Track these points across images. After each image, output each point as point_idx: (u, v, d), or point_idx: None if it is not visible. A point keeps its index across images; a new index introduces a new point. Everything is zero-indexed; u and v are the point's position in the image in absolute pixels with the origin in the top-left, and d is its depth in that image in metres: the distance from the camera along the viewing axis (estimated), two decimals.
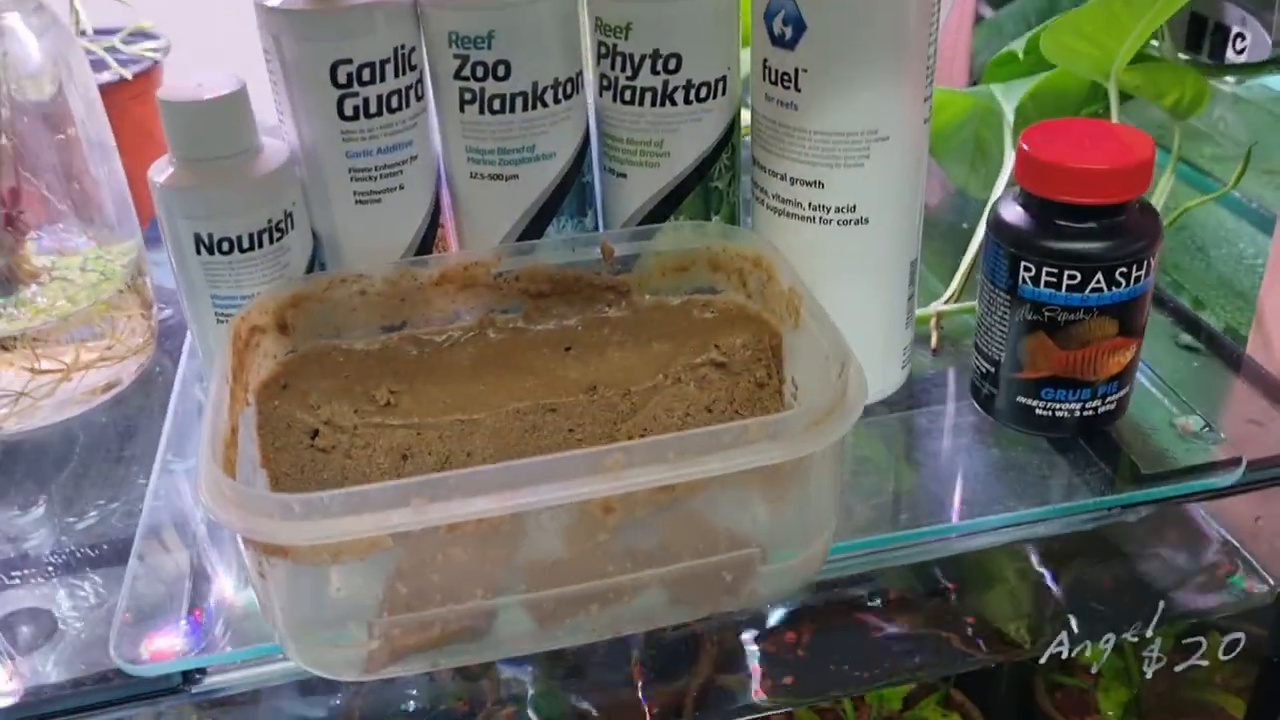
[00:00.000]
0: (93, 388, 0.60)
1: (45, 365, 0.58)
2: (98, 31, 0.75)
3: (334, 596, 0.41)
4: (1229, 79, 0.79)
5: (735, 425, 0.40)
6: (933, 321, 0.60)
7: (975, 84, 0.89)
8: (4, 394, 0.58)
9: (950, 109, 0.69)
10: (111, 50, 0.73)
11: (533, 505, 0.39)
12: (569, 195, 0.52)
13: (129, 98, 0.71)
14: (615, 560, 0.42)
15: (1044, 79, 0.66)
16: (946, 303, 0.61)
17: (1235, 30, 0.85)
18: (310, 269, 0.52)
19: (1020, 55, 0.70)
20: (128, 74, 0.70)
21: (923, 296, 0.63)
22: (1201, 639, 0.57)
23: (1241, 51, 0.86)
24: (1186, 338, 0.60)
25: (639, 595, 0.43)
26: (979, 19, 0.95)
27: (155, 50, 0.74)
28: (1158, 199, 0.66)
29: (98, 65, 0.72)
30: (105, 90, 0.69)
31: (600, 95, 0.51)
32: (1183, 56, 0.85)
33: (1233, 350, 0.59)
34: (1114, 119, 0.63)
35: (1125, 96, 0.71)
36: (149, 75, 0.73)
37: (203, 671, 0.45)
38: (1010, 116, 0.65)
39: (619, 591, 0.42)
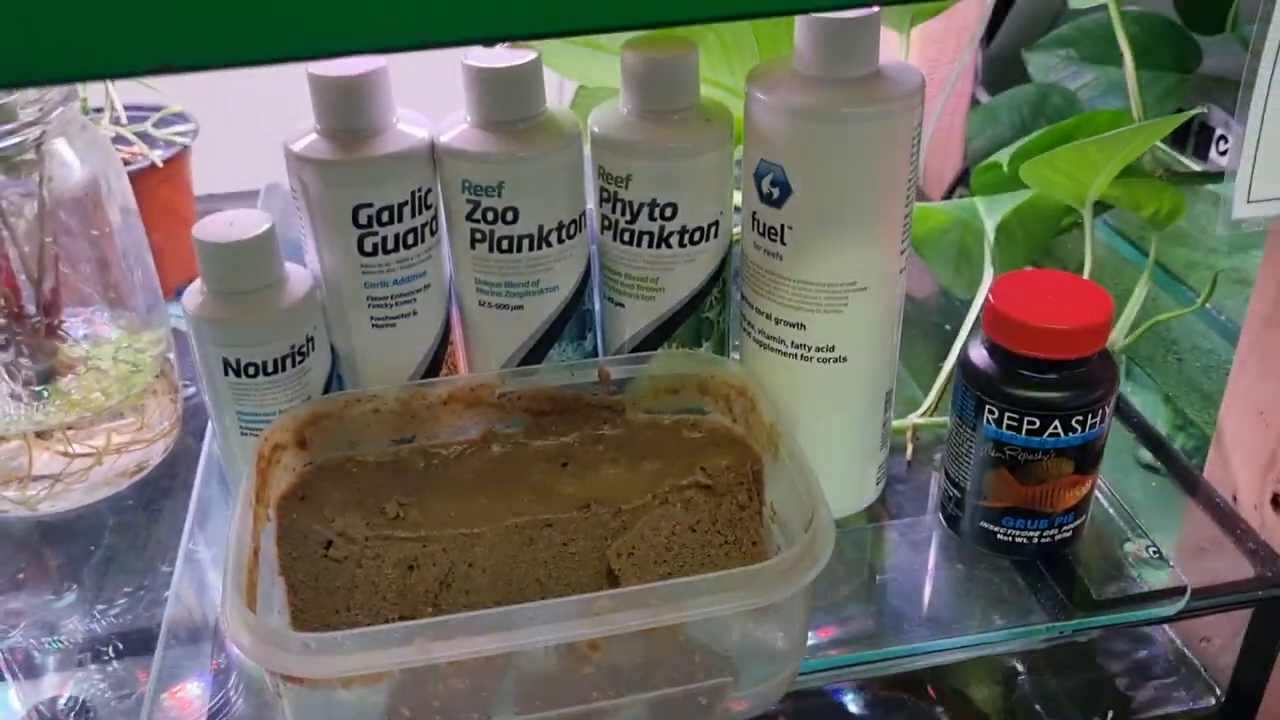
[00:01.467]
0: (123, 470, 0.64)
1: (78, 450, 0.63)
2: (131, 109, 0.79)
3: (341, 714, 0.45)
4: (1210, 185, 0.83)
5: (711, 576, 0.44)
6: (909, 433, 0.64)
7: (966, 169, 0.93)
8: (39, 477, 0.62)
9: (934, 219, 0.73)
10: (143, 135, 0.77)
11: (525, 646, 0.43)
12: (570, 322, 0.56)
13: (159, 182, 0.76)
14: (599, 687, 0.46)
15: (1025, 199, 0.70)
16: (923, 415, 0.65)
17: (1219, 132, 0.89)
18: (330, 382, 0.56)
19: (1004, 166, 0.74)
20: (158, 161, 0.74)
21: (901, 403, 0.67)
22: None
23: (1225, 153, 0.90)
24: (1147, 456, 0.64)
25: (621, 716, 0.47)
26: (975, 103, 0.99)
27: (185, 133, 0.78)
28: (1134, 303, 0.70)
29: (127, 144, 0.76)
30: (137, 174, 0.74)
31: (602, 233, 0.55)
32: (1165, 149, 0.89)
33: (1190, 472, 0.63)
34: (1088, 241, 0.67)
35: (1106, 206, 0.75)
36: (179, 159, 0.77)
37: None
38: (991, 235, 0.69)
39: (602, 713, 0.46)
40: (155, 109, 0.79)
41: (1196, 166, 0.88)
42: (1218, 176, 0.83)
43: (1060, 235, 0.80)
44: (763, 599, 0.44)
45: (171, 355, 0.67)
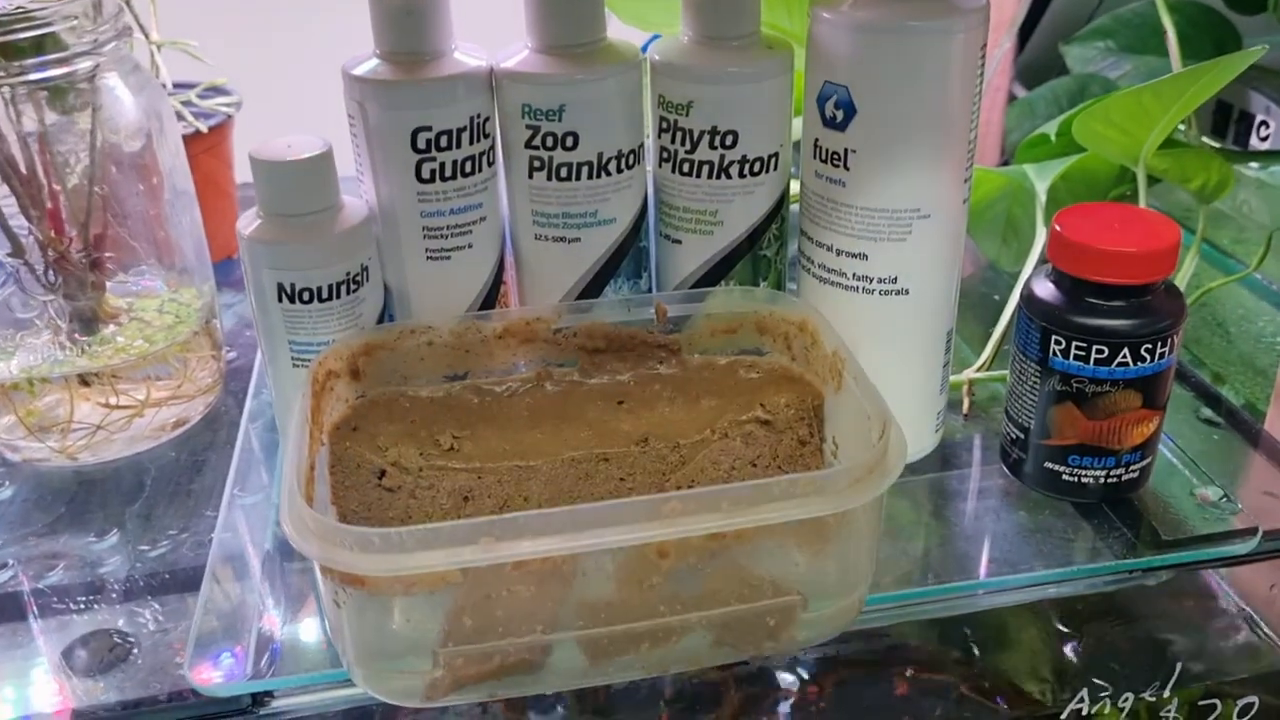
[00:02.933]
0: (163, 424, 0.63)
1: (120, 401, 0.62)
2: (176, 85, 0.79)
3: (402, 627, 0.44)
4: (1253, 164, 0.82)
5: (784, 479, 0.43)
6: (965, 388, 0.63)
7: (1006, 162, 0.93)
8: (81, 426, 0.61)
9: (984, 186, 0.72)
10: (187, 104, 0.76)
11: (594, 547, 0.42)
12: (627, 258, 0.56)
13: (202, 150, 0.75)
14: (666, 602, 0.44)
15: (1075, 161, 0.69)
16: (978, 371, 0.64)
17: (1260, 118, 0.89)
18: (380, 319, 0.55)
19: (1053, 137, 0.73)
20: (203, 128, 0.74)
21: (955, 364, 0.66)
22: (1217, 702, 0.59)
23: (1265, 139, 0.89)
24: (1207, 412, 0.63)
25: (686, 636, 0.45)
26: (1012, 98, 0.99)
27: (228, 105, 0.78)
28: (1182, 278, 0.69)
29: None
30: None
31: (659, 165, 0.55)
32: (1208, 141, 0.88)
33: (1251, 425, 0.61)
34: (1142, 202, 0.66)
35: (1153, 180, 0.74)
36: (222, 129, 0.77)
37: (270, 694, 0.48)
38: (1043, 197, 0.68)
39: (668, 632, 0.45)
40: (199, 84, 0.79)
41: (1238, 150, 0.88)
42: (1265, 156, 0.82)
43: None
44: (834, 505, 0.43)
45: (216, 318, 0.66)
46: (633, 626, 0.45)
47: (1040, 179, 0.69)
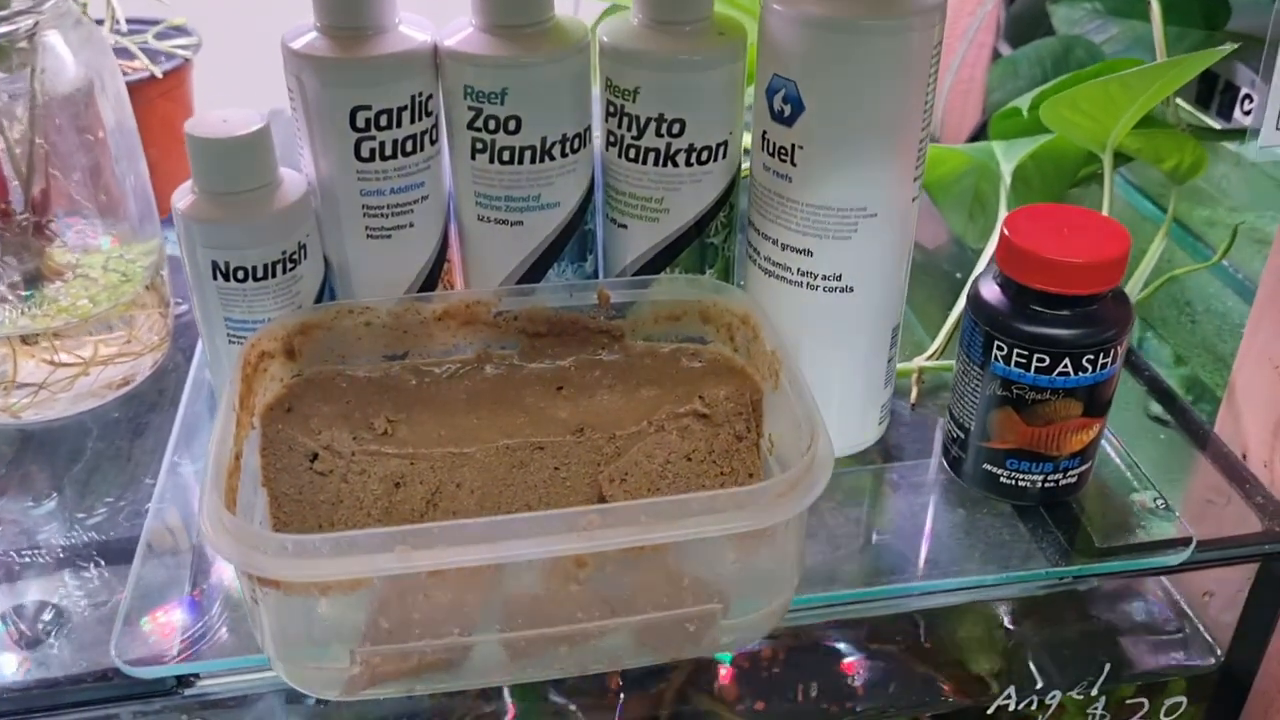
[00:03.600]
0: (109, 382, 0.63)
1: (65, 359, 0.61)
2: (132, 23, 0.77)
3: (320, 624, 0.44)
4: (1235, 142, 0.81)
5: (705, 495, 0.42)
6: (914, 376, 0.63)
7: (985, 123, 0.91)
8: (24, 385, 0.60)
9: (951, 162, 0.71)
10: (144, 45, 0.75)
11: (510, 559, 0.42)
12: (571, 241, 0.55)
13: (158, 94, 0.74)
14: (585, 608, 0.44)
15: (1044, 143, 0.68)
16: (929, 359, 0.63)
17: (1244, 91, 0.87)
18: (321, 294, 0.55)
19: (1024, 112, 0.72)
20: (158, 72, 0.73)
21: (908, 347, 0.65)
22: (1145, 700, 0.59)
23: (1249, 113, 0.87)
24: (1157, 408, 0.63)
25: (606, 639, 0.46)
26: (997, 55, 0.97)
27: (187, 47, 0.76)
28: (1149, 259, 0.68)
29: (127, 56, 0.74)
30: (136, 86, 0.72)
31: (606, 149, 0.54)
32: (1190, 110, 0.87)
33: (1200, 426, 0.61)
34: (1107, 189, 0.65)
35: (1126, 158, 0.73)
36: (179, 72, 0.75)
37: (196, 676, 0.48)
38: (1008, 179, 0.67)
39: (587, 635, 0.45)
40: (156, 21, 0.78)
41: (1221, 124, 0.86)
42: (1241, 134, 0.81)
43: (1077, 186, 0.79)
44: (756, 522, 0.43)
45: (164, 272, 0.65)
46: (552, 630, 0.45)
47: (1007, 159, 0.68)
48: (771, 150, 0.51)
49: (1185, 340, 0.77)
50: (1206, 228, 0.79)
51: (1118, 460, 0.58)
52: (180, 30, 0.78)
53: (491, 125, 0.51)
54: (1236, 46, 0.58)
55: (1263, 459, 0.59)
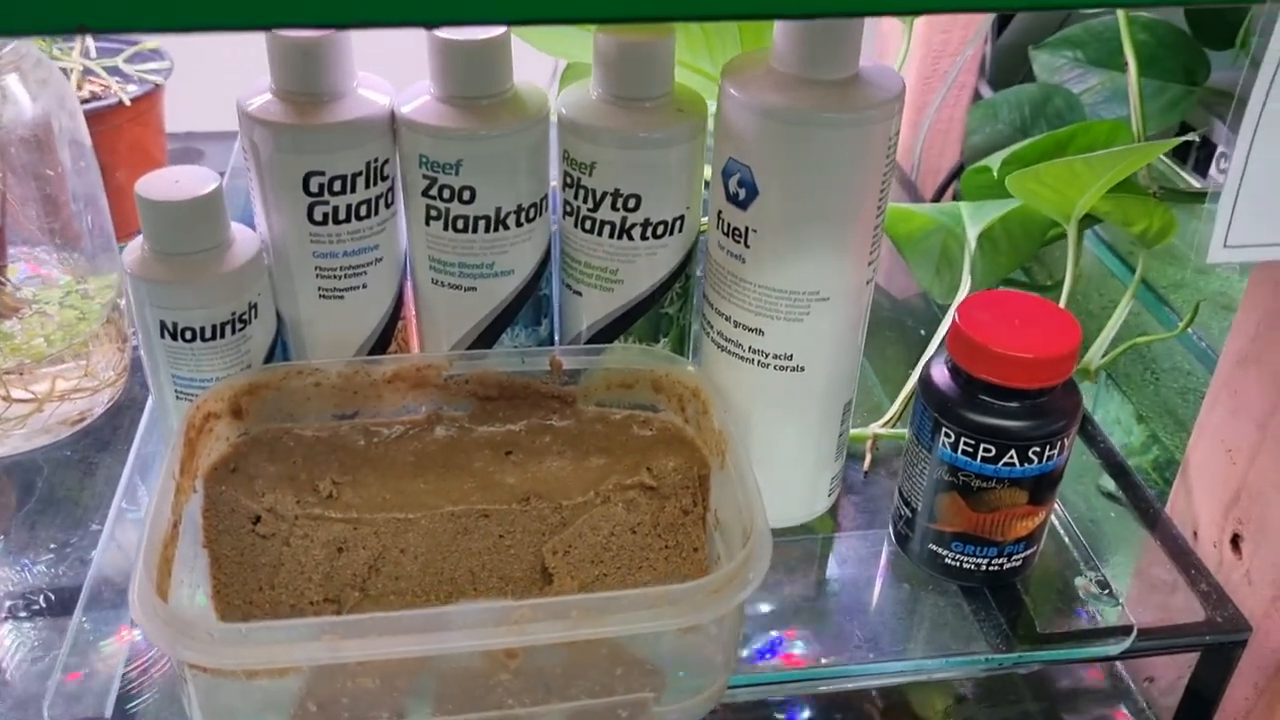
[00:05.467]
0: (64, 418, 0.63)
1: (19, 395, 0.61)
2: (105, 42, 0.77)
3: (248, 704, 0.44)
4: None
5: (636, 592, 0.43)
6: (869, 442, 0.63)
7: (962, 165, 0.91)
8: None
9: (917, 220, 0.71)
10: (113, 70, 0.74)
11: (439, 651, 0.42)
12: (525, 307, 0.55)
13: (128, 119, 0.73)
14: (515, 695, 0.44)
15: (1012, 209, 0.68)
16: (885, 425, 0.63)
17: (1221, 149, 0.87)
18: (274, 349, 0.55)
19: (995, 172, 0.72)
20: (126, 99, 0.72)
21: (866, 409, 0.65)
22: None
23: (1224, 171, 0.87)
24: (1110, 484, 0.63)
25: None
26: (977, 96, 0.97)
27: (158, 72, 0.76)
28: (1114, 322, 0.68)
29: (97, 76, 0.74)
30: (105, 110, 0.71)
31: (564, 217, 0.53)
32: (1167, 162, 0.87)
33: (1150, 505, 0.61)
34: (1070, 261, 0.65)
35: (1097, 219, 0.73)
36: (150, 97, 0.75)
37: None
38: (972, 244, 0.67)
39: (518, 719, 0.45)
40: (130, 43, 0.77)
41: (1196, 182, 0.86)
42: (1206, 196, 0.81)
43: (1050, 244, 0.78)
44: (688, 619, 0.43)
45: (122, 302, 0.65)
46: (480, 715, 0.45)
47: (974, 222, 0.68)
48: (726, 230, 0.50)
49: (1148, 400, 0.77)
50: (1174, 289, 0.79)
51: (1065, 538, 0.58)
52: (154, 54, 0.77)
53: (446, 194, 0.51)
54: (1193, 139, 0.58)
55: (1212, 539, 0.59)
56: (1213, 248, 0.42)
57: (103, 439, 0.63)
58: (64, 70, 0.73)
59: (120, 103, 0.72)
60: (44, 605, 0.54)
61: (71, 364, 0.62)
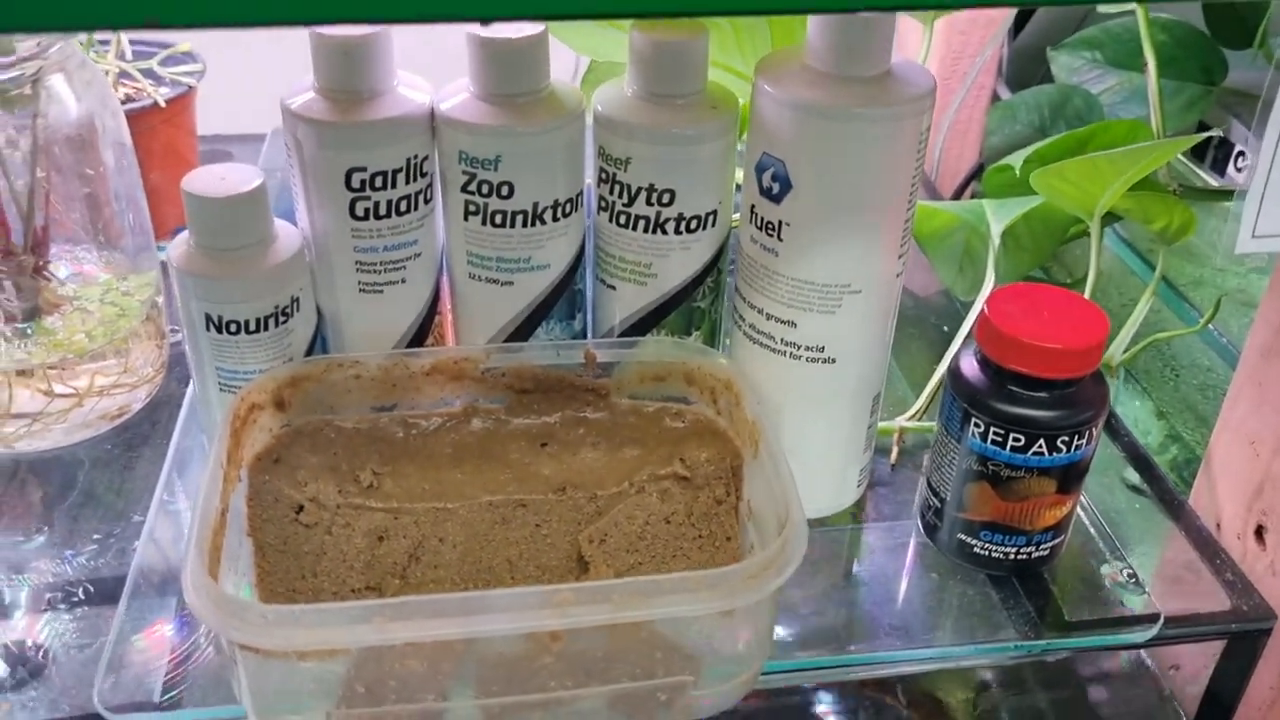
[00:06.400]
0: (104, 413, 0.64)
1: (60, 390, 0.62)
2: (139, 45, 0.78)
3: (297, 685, 0.45)
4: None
5: (677, 576, 0.43)
6: (895, 435, 0.63)
7: (982, 166, 0.92)
8: (19, 415, 0.61)
9: (941, 218, 0.72)
10: (148, 73, 0.75)
11: (485, 633, 0.43)
12: (560, 301, 0.56)
13: (161, 120, 0.75)
14: (558, 677, 0.45)
15: (1034, 206, 0.69)
16: (911, 418, 0.64)
17: (1239, 148, 0.88)
18: (314, 343, 0.56)
19: (1016, 170, 0.73)
20: (161, 101, 0.73)
21: (891, 404, 0.66)
22: None
23: (1241, 170, 0.88)
24: (1134, 476, 0.63)
25: (579, 705, 0.47)
26: (996, 98, 0.98)
27: (191, 73, 0.77)
28: (1134, 319, 0.69)
29: (131, 79, 0.75)
30: (139, 112, 0.73)
31: (599, 212, 0.54)
32: (1185, 162, 0.87)
33: (1174, 497, 0.62)
34: (1094, 256, 0.66)
35: (1116, 216, 0.74)
36: (183, 99, 0.76)
37: None
38: (996, 240, 0.68)
39: (561, 702, 0.46)
40: (164, 45, 0.78)
41: (1214, 181, 0.87)
42: (1231, 195, 0.81)
43: (1069, 242, 0.79)
44: (727, 603, 0.44)
45: (160, 300, 0.66)
46: (525, 698, 0.46)
47: (997, 220, 0.69)
48: (759, 224, 0.51)
49: (1168, 396, 0.78)
50: (1194, 287, 0.79)
51: (1091, 529, 0.59)
52: (187, 56, 0.79)
53: (485, 190, 0.52)
54: (1216, 134, 0.59)
55: (1236, 531, 0.60)
56: (1241, 238, 0.43)
57: (141, 433, 0.64)
58: None
59: (155, 104, 0.73)
60: (86, 596, 0.55)
61: (111, 360, 0.63)
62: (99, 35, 0.76)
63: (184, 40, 0.79)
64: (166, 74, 0.76)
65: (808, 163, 0.49)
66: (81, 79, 0.58)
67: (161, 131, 0.75)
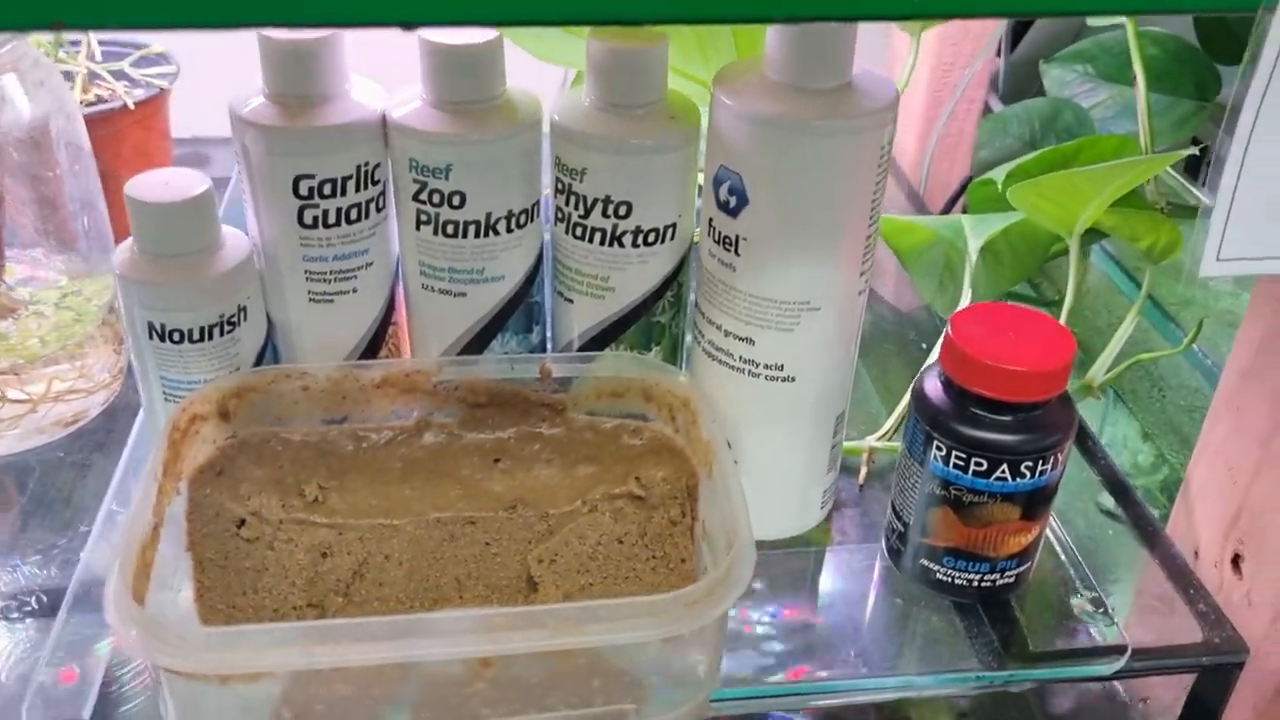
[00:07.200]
0: (59, 419, 0.63)
1: (14, 395, 0.61)
2: (111, 46, 0.77)
3: (223, 710, 0.43)
4: None
5: (614, 603, 0.42)
6: (864, 456, 0.62)
7: (970, 178, 0.90)
8: None
9: (920, 233, 0.70)
10: (120, 74, 0.74)
11: (414, 658, 0.41)
12: (515, 314, 0.54)
13: (132, 123, 0.74)
14: (491, 704, 0.44)
15: (1015, 222, 0.67)
16: (880, 439, 0.62)
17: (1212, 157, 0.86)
18: (263, 352, 0.54)
19: (999, 184, 0.71)
20: (130, 103, 0.72)
21: (863, 423, 0.65)
22: None
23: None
24: (1109, 501, 0.62)
25: None
26: (987, 110, 0.96)
27: (164, 75, 0.76)
28: (1118, 338, 0.68)
29: (101, 81, 0.74)
30: (109, 114, 0.72)
31: (555, 223, 0.53)
32: (1176, 177, 0.86)
33: (1150, 523, 0.60)
34: (1072, 274, 0.64)
35: (1102, 233, 0.72)
36: (154, 101, 0.75)
37: None
38: (974, 256, 0.66)
39: None
40: (136, 46, 0.77)
41: (1206, 198, 0.85)
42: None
43: (1057, 258, 0.78)
44: (668, 630, 0.42)
45: (119, 304, 0.65)
46: None
47: (975, 235, 0.67)
48: (717, 238, 0.50)
49: (1154, 418, 0.76)
50: (1183, 307, 0.78)
51: (1062, 556, 0.57)
52: (161, 57, 0.78)
53: (436, 199, 0.50)
54: (1193, 153, 0.57)
55: (1213, 559, 0.58)
56: (1205, 261, 0.41)
57: (97, 441, 0.63)
58: (69, 74, 0.73)
59: (124, 106, 0.72)
60: (31, 607, 0.54)
61: (67, 365, 0.62)
62: (69, 36, 0.75)
63: (156, 42, 0.77)
64: (139, 75, 0.75)
65: (764, 176, 0.47)
66: (34, 79, 0.57)
67: (131, 134, 0.74)
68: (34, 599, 0.54)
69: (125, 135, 0.74)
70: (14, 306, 0.62)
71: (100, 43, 0.76)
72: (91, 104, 0.72)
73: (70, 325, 0.62)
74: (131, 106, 0.72)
